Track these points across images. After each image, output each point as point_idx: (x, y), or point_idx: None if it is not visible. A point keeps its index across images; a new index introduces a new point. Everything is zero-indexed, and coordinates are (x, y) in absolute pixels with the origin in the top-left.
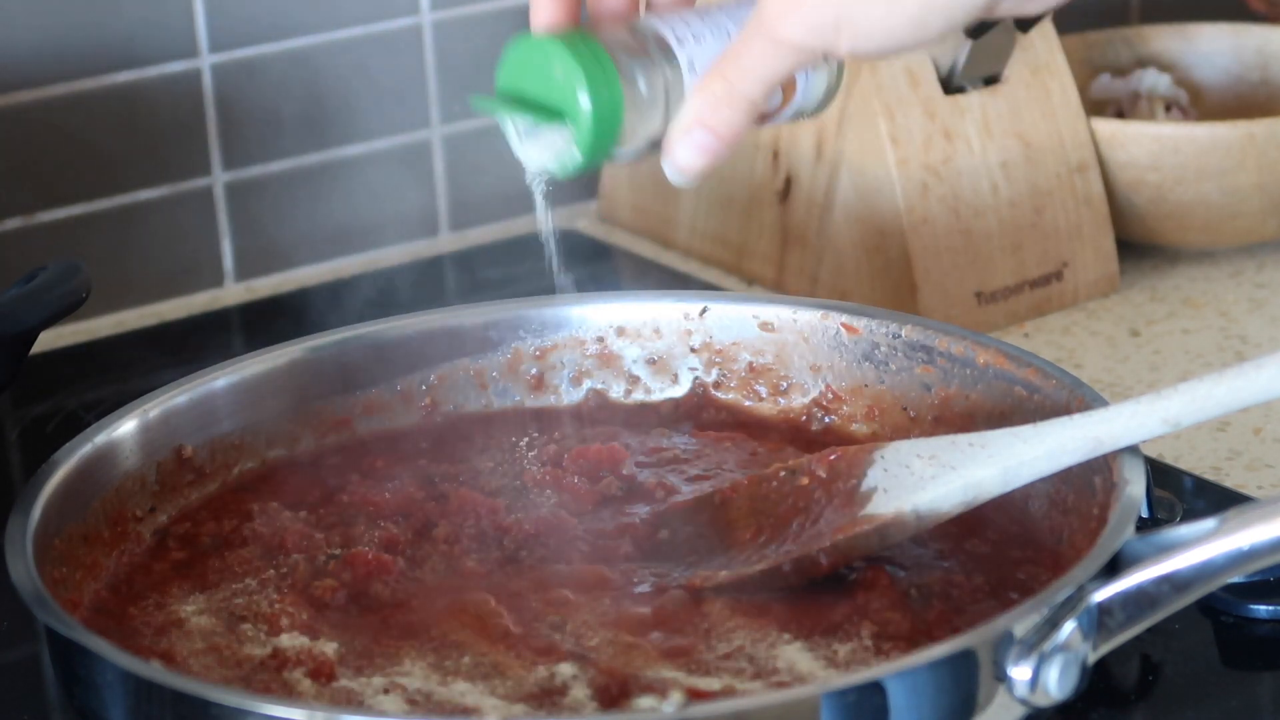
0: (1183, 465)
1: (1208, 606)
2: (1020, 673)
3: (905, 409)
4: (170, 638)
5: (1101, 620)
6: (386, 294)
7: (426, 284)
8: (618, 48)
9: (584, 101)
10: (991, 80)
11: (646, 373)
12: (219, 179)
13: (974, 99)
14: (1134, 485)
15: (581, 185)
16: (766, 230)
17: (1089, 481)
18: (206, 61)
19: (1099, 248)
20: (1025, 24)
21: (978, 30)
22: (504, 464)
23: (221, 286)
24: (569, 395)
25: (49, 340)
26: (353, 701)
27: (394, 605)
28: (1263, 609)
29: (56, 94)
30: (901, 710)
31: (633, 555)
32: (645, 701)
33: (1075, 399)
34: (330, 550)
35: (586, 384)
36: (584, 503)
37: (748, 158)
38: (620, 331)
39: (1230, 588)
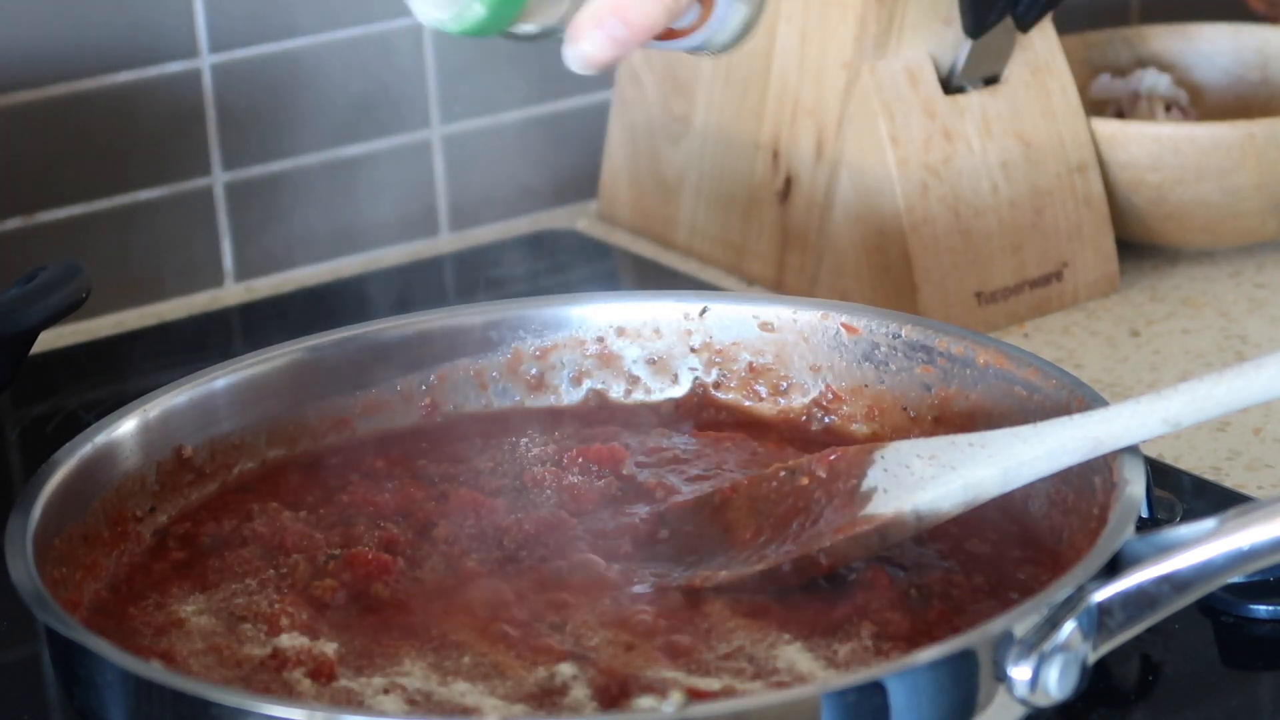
0: (1183, 465)
1: (1208, 606)
2: (1020, 673)
3: (905, 409)
4: (170, 638)
5: (1101, 620)
6: (386, 294)
7: (426, 284)
8: None
9: None
10: (991, 80)
11: (646, 373)
12: (219, 179)
13: (974, 99)
14: (1134, 485)
15: (581, 185)
16: (766, 230)
17: (1089, 481)
18: (206, 61)
19: (1099, 248)
20: (1025, 24)
21: (978, 30)
22: (504, 464)
23: (221, 286)
24: (569, 395)
25: (49, 340)
26: (353, 701)
27: (394, 605)
28: (1263, 609)
29: (56, 94)
30: (901, 710)
31: (633, 555)
32: (645, 701)
33: (1075, 399)
34: (330, 550)
35: (586, 384)
36: (584, 503)
37: (748, 158)
38: (620, 331)
39: (1230, 588)
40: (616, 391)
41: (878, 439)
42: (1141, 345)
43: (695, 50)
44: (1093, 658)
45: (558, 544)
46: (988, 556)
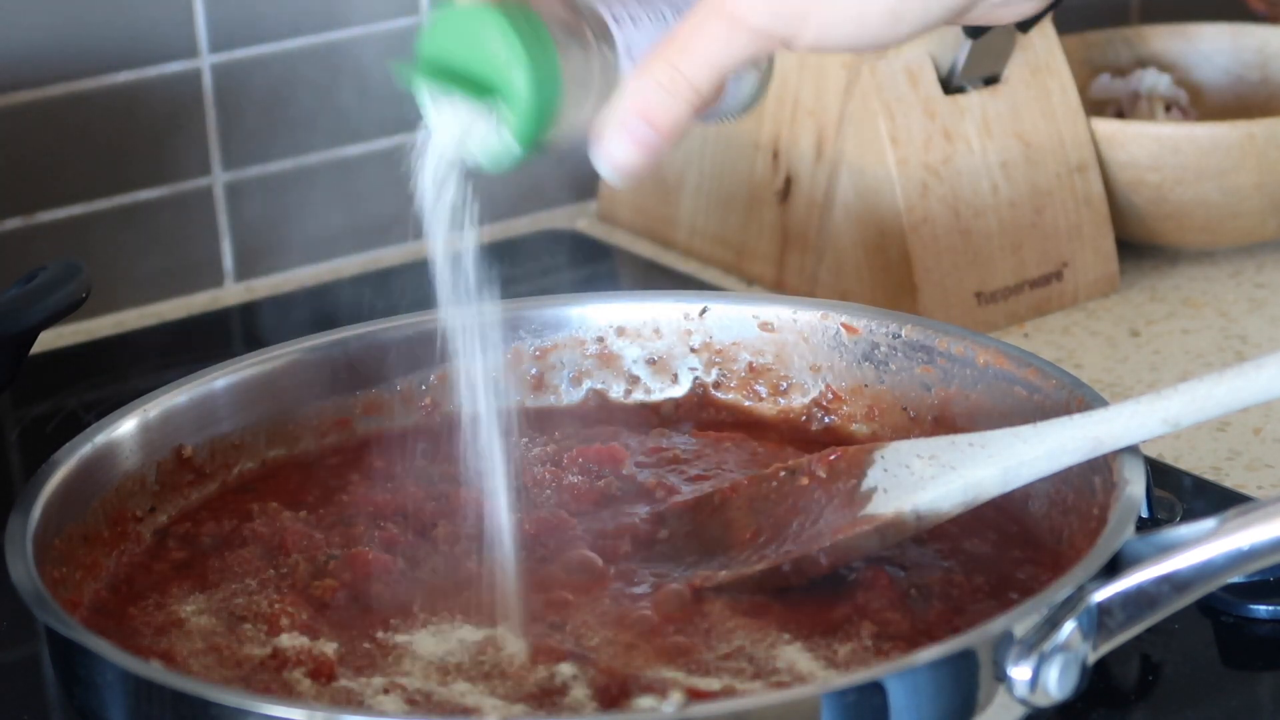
0: (1183, 465)
1: (1208, 606)
2: (1020, 673)
3: (905, 409)
4: (170, 638)
5: (1101, 620)
6: (386, 294)
7: (426, 284)
8: (554, 23)
9: (525, 82)
10: (991, 80)
11: (646, 373)
12: (219, 179)
13: (974, 99)
14: (1134, 485)
15: (581, 185)
16: (766, 230)
17: (1089, 481)
18: (206, 61)
19: (1099, 248)
20: (1025, 24)
21: (977, 30)
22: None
23: (221, 286)
24: (569, 395)
25: (49, 340)
26: (353, 701)
27: (394, 605)
28: (1263, 609)
29: (56, 94)
30: (901, 710)
31: (633, 555)
32: (645, 701)
33: (1075, 399)
34: (330, 550)
35: (586, 384)
36: (584, 503)
37: (748, 158)
38: (620, 331)
39: (1230, 588)
40: (616, 391)
41: (878, 439)
42: (1141, 345)
43: (708, 123)
44: (1093, 658)
45: (558, 544)
46: (988, 556)
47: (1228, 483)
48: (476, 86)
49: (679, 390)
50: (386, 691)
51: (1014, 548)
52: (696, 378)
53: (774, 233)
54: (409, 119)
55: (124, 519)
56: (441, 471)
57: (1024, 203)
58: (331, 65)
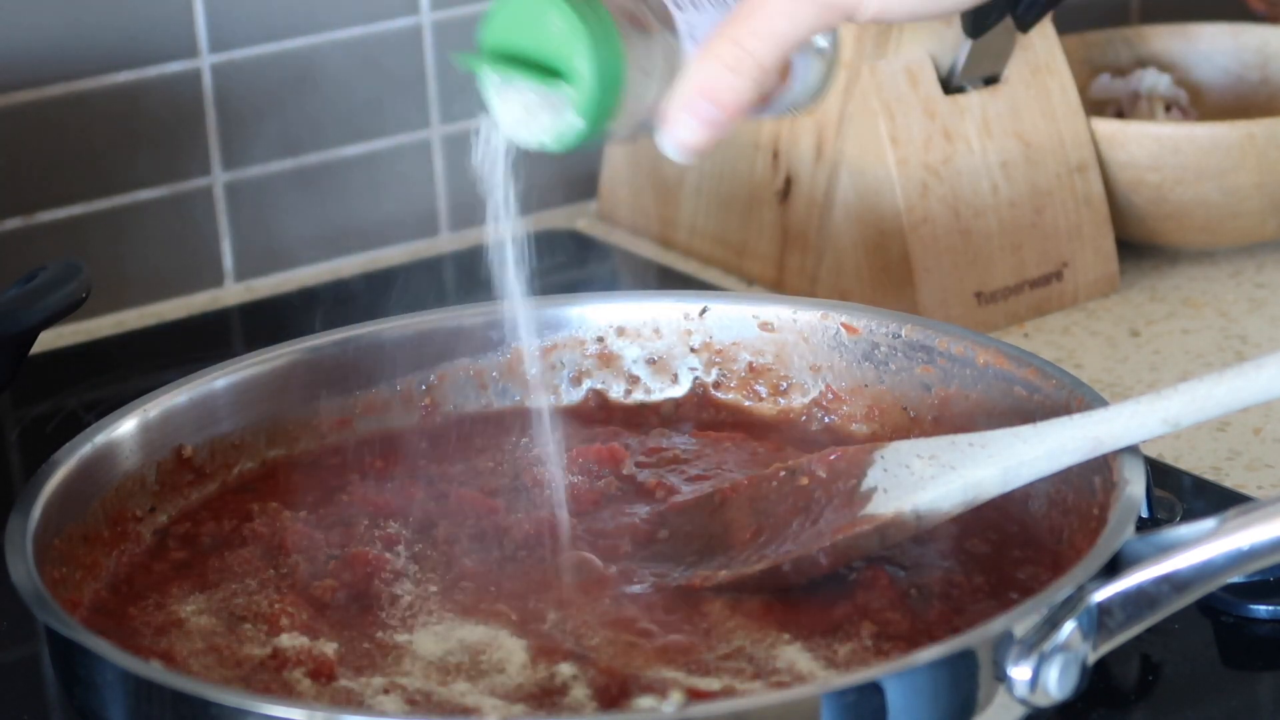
0: (1183, 465)
1: (1208, 606)
2: (1020, 673)
3: (905, 409)
4: (170, 638)
5: (1101, 620)
6: (386, 294)
7: (426, 284)
8: (615, 7)
9: (588, 60)
10: (991, 80)
11: (646, 373)
12: (219, 179)
13: (974, 99)
14: (1134, 485)
15: (581, 185)
16: (766, 230)
17: (1089, 481)
18: (206, 61)
19: (1099, 248)
20: (1025, 24)
21: (977, 30)
22: (504, 464)
23: (221, 286)
24: (569, 395)
25: (49, 340)
26: (353, 701)
27: (394, 605)
28: (1263, 609)
29: (56, 94)
30: (901, 710)
31: (633, 555)
32: (645, 701)
33: (1075, 399)
34: (330, 550)
35: (586, 384)
36: (584, 503)
37: (748, 158)
38: (620, 331)
39: (1230, 588)
40: (616, 391)
41: (878, 439)
42: (1141, 345)
43: (776, 115)
44: (1093, 658)
45: (558, 544)
46: (988, 556)
47: (1228, 483)
48: (540, 69)
49: (679, 390)
50: (386, 691)
51: (1014, 548)
52: (696, 378)
53: (774, 233)
54: (409, 119)
55: (124, 519)
56: (441, 471)
57: (1024, 203)
58: (331, 65)
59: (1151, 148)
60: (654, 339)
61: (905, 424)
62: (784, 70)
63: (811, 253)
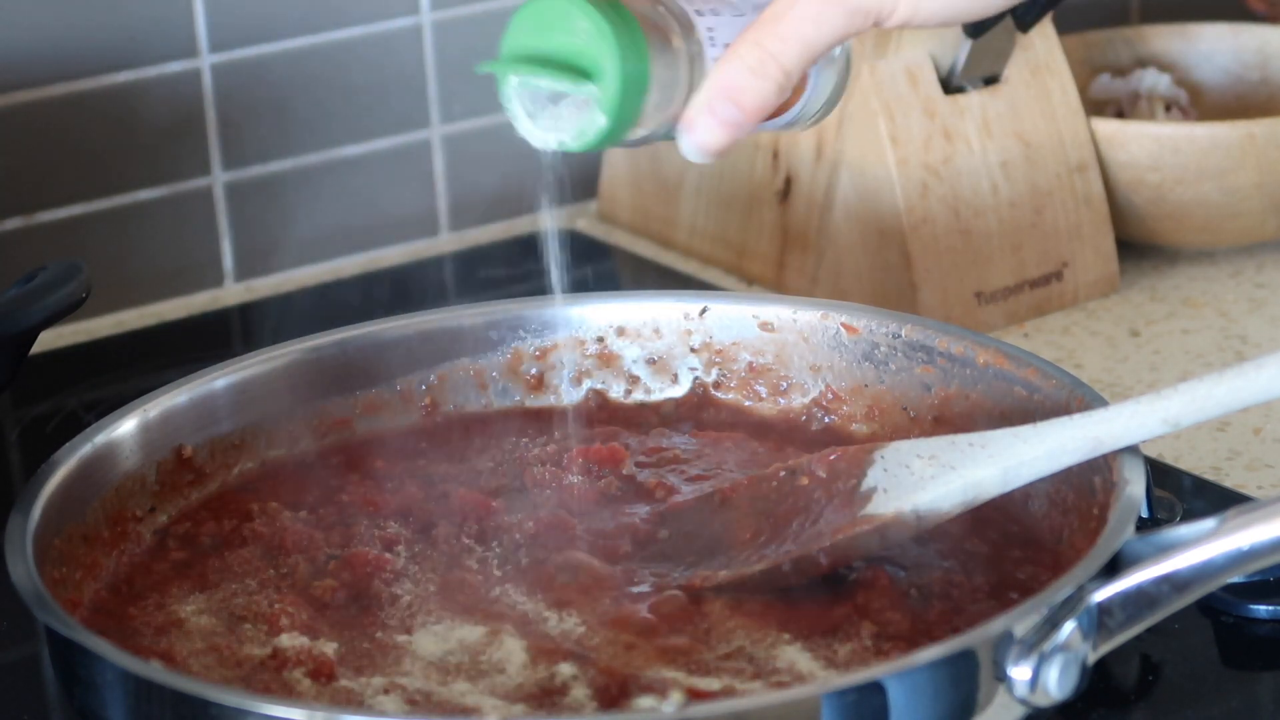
0: (1183, 465)
1: (1208, 606)
2: (1020, 673)
3: (905, 409)
4: (170, 638)
5: (1101, 620)
6: (386, 294)
7: (426, 284)
8: (636, 12)
9: (612, 58)
10: (991, 80)
11: (646, 373)
12: (219, 179)
13: (974, 99)
14: (1134, 485)
15: (581, 185)
16: (766, 230)
17: (1089, 481)
18: (206, 61)
19: (1099, 248)
20: (1025, 24)
21: (978, 30)
22: (504, 464)
23: (221, 286)
24: (569, 395)
25: (49, 340)
26: (353, 701)
27: (394, 605)
28: (1263, 609)
29: (56, 94)
30: (901, 710)
31: (633, 555)
32: (645, 701)
33: (1075, 399)
34: (330, 550)
35: (586, 384)
36: (584, 503)
37: (748, 158)
38: (620, 331)
39: (1230, 588)
40: (616, 391)
41: (878, 439)
42: (1141, 345)
43: (788, 127)
44: (1093, 658)
45: (558, 544)
46: (988, 556)
47: (1228, 483)
48: (563, 69)
49: (679, 390)
50: (386, 691)
51: (1014, 548)
52: (696, 378)
53: (774, 233)
54: (409, 119)
55: (124, 519)
56: (441, 471)
57: (1024, 203)
58: (331, 65)
59: (1151, 148)
60: (654, 339)
61: (905, 424)
62: (800, 83)
63: (811, 253)
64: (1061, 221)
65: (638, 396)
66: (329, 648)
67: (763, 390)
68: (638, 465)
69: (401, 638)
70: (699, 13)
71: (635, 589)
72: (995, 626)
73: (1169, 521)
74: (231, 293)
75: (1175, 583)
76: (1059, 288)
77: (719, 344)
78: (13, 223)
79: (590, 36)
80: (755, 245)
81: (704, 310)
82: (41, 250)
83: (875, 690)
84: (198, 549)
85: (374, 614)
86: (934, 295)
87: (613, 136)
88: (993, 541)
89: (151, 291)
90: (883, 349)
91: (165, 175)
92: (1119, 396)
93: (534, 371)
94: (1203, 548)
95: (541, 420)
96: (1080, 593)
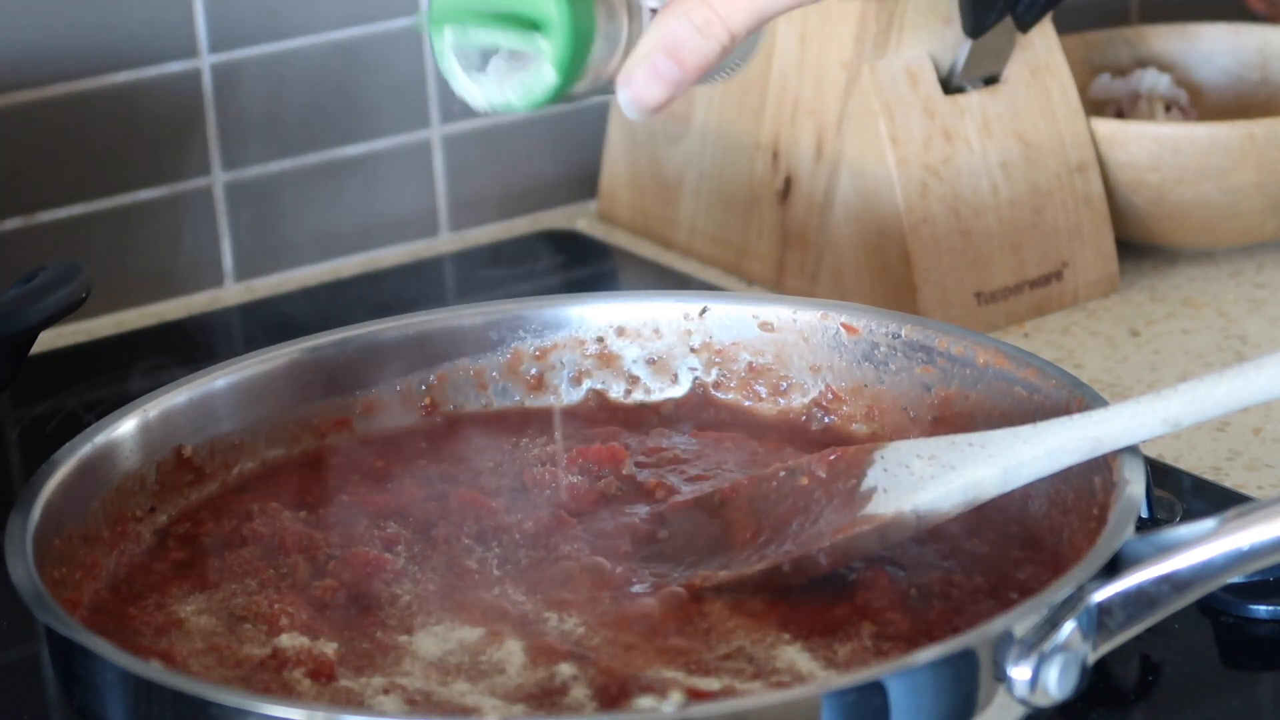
0: (1183, 465)
1: (1208, 606)
2: (1020, 673)
3: (905, 409)
4: (170, 638)
5: (1101, 620)
6: (386, 294)
7: (426, 284)
8: None
9: (561, 7)
10: (991, 80)
11: (646, 373)
12: (219, 179)
13: (974, 99)
14: (1134, 485)
15: (581, 185)
16: (766, 230)
17: (1089, 481)
18: (206, 61)
19: (1099, 248)
20: (1025, 24)
21: (978, 30)
22: (504, 464)
23: (221, 286)
24: (569, 395)
25: (49, 340)
26: (353, 701)
27: (394, 605)
28: (1263, 609)
29: (56, 94)
30: (901, 710)
31: (633, 555)
32: (645, 701)
33: (1075, 399)
34: (330, 550)
35: (586, 384)
36: (584, 503)
37: (748, 158)
38: (620, 331)
39: (1230, 588)
40: (616, 391)
41: (878, 439)
42: (1141, 345)
43: (699, 83)
44: (1093, 658)
45: (557, 544)
46: (988, 556)
47: (1228, 483)
48: (508, 21)
49: (679, 390)
50: (386, 691)
51: (1014, 548)
52: (696, 378)
53: (774, 233)
54: (409, 119)
55: (124, 519)
56: (441, 471)
57: (1024, 203)
58: (331, 65)
59: (1151, 148)
60: (654, 339)
61: (905, 424)
62: None
63: (811, 253)
64: (1061, 221)
65: (638, 396)
66: (329, 648)
67: (763, 390)
68: (638, 465)
69: (401, 638)
70: None
71: (635, 589)
72: (995, 626)
73: (1169, 521)
74: (231, 293)
75: (1175, 583)
76: (1059, 288)
77: (719, 344)
78: (13, 223)
79: None
80: (755, 245)
81: (704, 310)
82: (41, 250)
83: (875, 690)
84: (198, 549)
85: (374, 614)
86: (934, 295)
87: (559, 92)
88: (993, 541)
89: (151, 291)
90: (883, 349)
91: (165, 175)
92: (1119, 396)
93: (534, 372)
94: (1203, 548)
95: (541, 420)
96: (1080, 593)
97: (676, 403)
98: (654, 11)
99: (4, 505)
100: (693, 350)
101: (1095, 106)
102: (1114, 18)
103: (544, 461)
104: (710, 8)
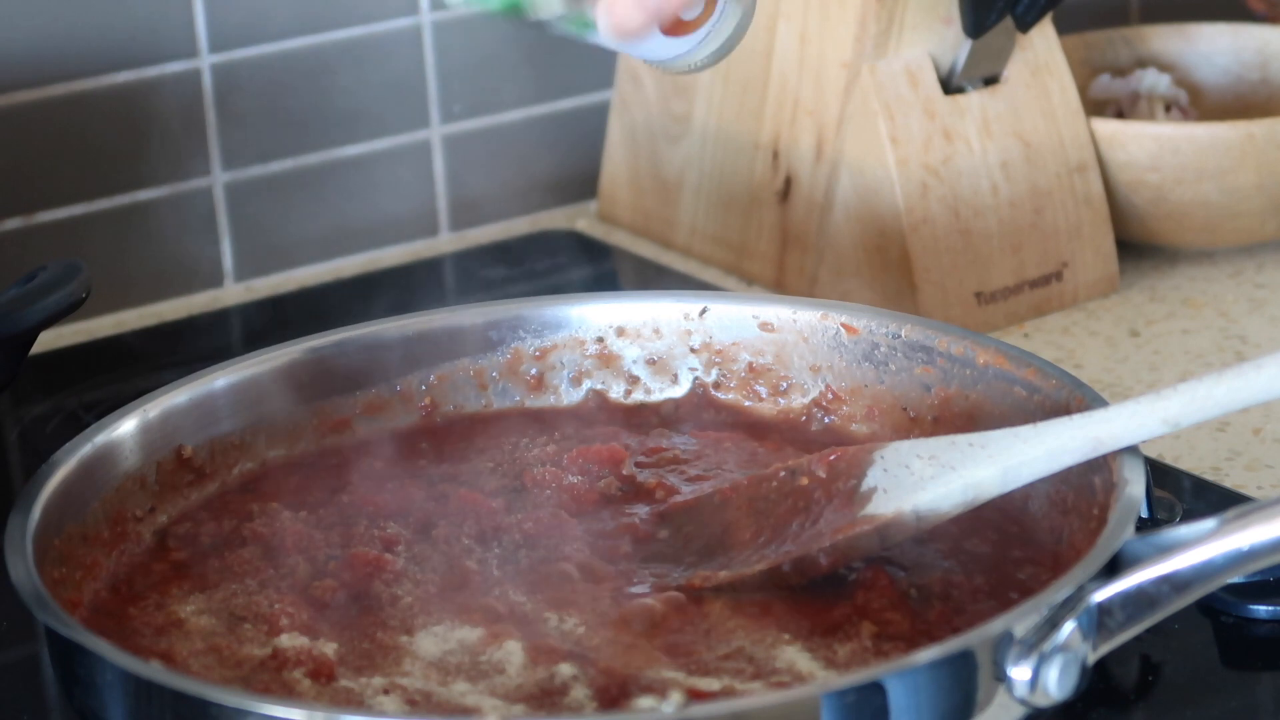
0: (1183, 465)
1: (1208, 606)
2: (1020, 673)
3: (905, 409)
4: (170, 638)
5: (1101, 620)
6: (386, 294)
7: (426, 284)
8: None
9: None
10: (991, 80)
11: (646, 373)
12: (219, 179)
13: (974, 99)
14: (1134, 485)
15: (581, 185)
16: (766, 230)
17: (1089, 481)
18: (206, 61)
19: (1099, 248)
20: (1025, 24)
21: (978, 30)
22: (504, 464)
23: (221, 286)
24: (569, 395)
25: (49, 340)
26: (353, 701)
27: (394, 605)
28: (1263, 609)
29: (56, 94)
30: (901, 710)
31: (633, 555)
32: (645, 701)
33: (1075, 399)
34: (330, 550)
35: (586, 384)
36: (584, 503)
37: (748, 158)
38: (620, 331)
39: (1230, 588)
40: (616, 391)
41: (877, 439)
42: (1141, 345)
43: (683, 57)
44: (1093, 658)
45: (558, 544)
46: (988, 556)
47: (1228, 483)
48: None
49: (679, 390)
50: (386, 691)
51: (1014, 548)
52: (696, 378)
53: (774, 233)
54: (409, 119)
55: (124, 519)
56: (441, 471)
57: (1024, 203)
58: (331, 65)
59: (1151, 148)
60: (654, 339)
61: (905, 424)
62: (710, 4)
63: (811, 253)
64: (1061, 222)
65: (638, 397)
66: (329, 648)
67: (763, 390)
68: (638, 465)
69: (401, 638)
70: None
71: (635, 589)
72: (995, 627)
73: (1169, 521)
74: (231, 293)
75: (1175, 583)
76: (1059, 288)
77: (719, 344)
78: (13, 223)
79: None
80: (755, 245)
81: (704, 310)
82: (41, 250)
83: (875, 690)
84: (198, 549)
85: (374, 614)
86: (934, 295)
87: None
88: (993, 541)
89: (151, 291)
90: (883, 349)
91: (165, 175)
92: (1119, 396)
93: (534, 372)
94: (1203, 548)
95: (541, 420)
96: (1080, 593)
97: (676, 403)
98: None
99: (4, 505)
100: (693, 350)
101: (1095, 106)
102: (1114, 18)
103: (544, 462)
104: None
